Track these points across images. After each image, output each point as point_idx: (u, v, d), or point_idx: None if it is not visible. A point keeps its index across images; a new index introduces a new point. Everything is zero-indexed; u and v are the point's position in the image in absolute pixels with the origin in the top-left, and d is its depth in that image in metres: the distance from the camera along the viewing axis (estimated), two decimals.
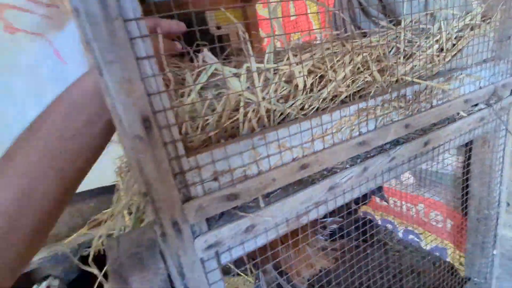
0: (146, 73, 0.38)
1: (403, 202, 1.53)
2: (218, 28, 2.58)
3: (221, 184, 0.47)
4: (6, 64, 0.66)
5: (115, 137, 0.47)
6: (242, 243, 0.51)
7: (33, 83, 0.69)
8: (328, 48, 0.59)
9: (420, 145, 0.69)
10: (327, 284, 0.93)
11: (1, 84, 0.67)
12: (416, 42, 0.67)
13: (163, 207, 0.43)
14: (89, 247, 1.54)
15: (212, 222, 0.49)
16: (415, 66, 0.66)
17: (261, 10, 2.48)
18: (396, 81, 0.66)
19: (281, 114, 0.55)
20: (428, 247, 1.47)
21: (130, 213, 0.70)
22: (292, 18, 1.90)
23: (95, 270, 0.69)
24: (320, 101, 0.56)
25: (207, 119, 0.47)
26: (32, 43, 0.67)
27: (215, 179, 0.47)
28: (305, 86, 0.54)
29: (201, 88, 0.52)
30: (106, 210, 0.76)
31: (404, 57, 0.66)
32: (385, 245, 1.54)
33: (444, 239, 1.39)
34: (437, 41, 0.68)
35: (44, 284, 1.33)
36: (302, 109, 0.56)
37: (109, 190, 1.47)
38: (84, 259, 1.79)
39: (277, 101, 0.54)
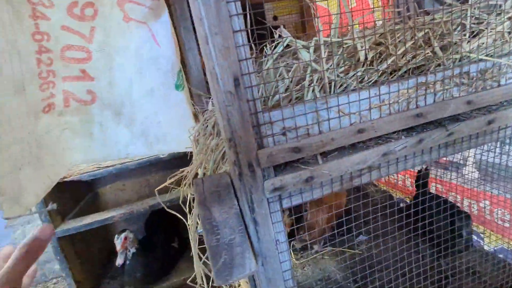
0: (239, 43, 0.50)
1: (464, 198, 1.44)
2: (275, 18, 2.67)
3: (288, 138, 0.57)
4: (122, 47, 0.85)
5: None
6: (301, 193, 0.61)
7: (138, 63, 0.88)
8: (390, 25, 0.64)
9: (483, 124, 0.69)
10: (378, 278, 0.95)
11: (118, 64, 0.87)
12: (485, 20, 0.67)
13: (242, 151, 0.54)
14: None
15: (278, 170, 0.59)
16: (483, 43, 0.67)
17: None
18: (460, 58, 0.67)
19: (341, 85, 0.62)
20: (490, 248, 1.37)
21: (204, 173, 0.84)
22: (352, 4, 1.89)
23: (178, 214, 0.85)
24: (379, 74, 0.62)
25: (281, 84, 0.57)
26: (138, 30, 0.85)
27: (283, 133, 0.57)
28: (366, 59, 0.60)
29: (277, 59, 0.62)
30: (183, 168, 0.91)
31: (470, 35, 0.66)
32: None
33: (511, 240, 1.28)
34: (509, 18, 0.67)
35: (123, 235, 1.61)
36: (361, 81, 0.62)
37: (172, 164, 1.70)
38: (153, 216, 2.04)
39: (340, 73, 0.61)
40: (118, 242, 1.62)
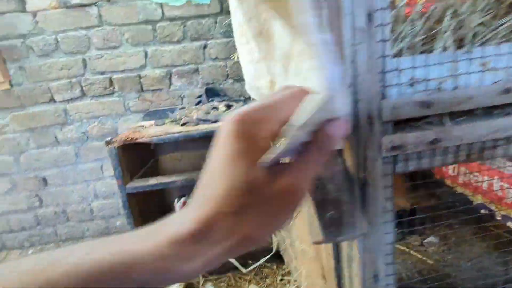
0: None
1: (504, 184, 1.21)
2: None
3: (416, 91, 0.49)
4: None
5: None
6: (420, 158, 0.53)
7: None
8: None
9: None
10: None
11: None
12: None
13: (363, 99, 0.48)
14: None
15: (396, 128, 0.52)
16: None
17: None
18: None
19: (483, 36, 0.51)
20: None
21: None
22: None
23: None
24: None
25: (415, 26, 0.49)
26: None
27: (411, 84, 0.49)
28: None
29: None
30: None
31: None
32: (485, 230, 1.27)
33: None
34: None
35: (182, 199, 1.69)
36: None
37: None
38: None
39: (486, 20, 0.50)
40: (178, 204, 1.71)
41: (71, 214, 2.42)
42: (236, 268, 1.90)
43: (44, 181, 2.33)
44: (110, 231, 2.50)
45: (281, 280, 1.75)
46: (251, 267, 1.85)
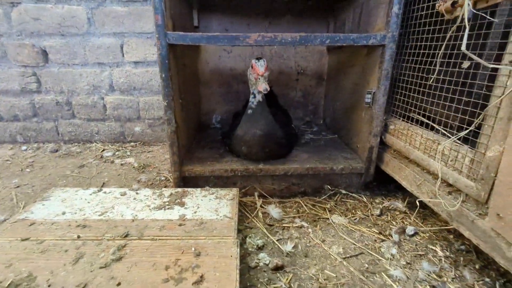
0: None
1: None
2: None
3: None
4: None
5: None
6: None
7: None
8: None
9: None
10: None
11: None
12: None
13: None
14: None
15: None
16: None
17: None
18: None
19: None
20: None
21: None
22: None
23: None
24: None
25: None
26: None
27: None
28: None
29: None
30: None
31: None
32: None
33: None
34: None
35: (263, 60, 1.10)
36: None
37: None
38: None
39: None
40: (260, 64, 1.10)
41: (78, 108, 1.84)
42: (304, 193, 1.33)
43: (44, 54, 1.72)
44: (125, 139, 1.94)
45: (379, 215, 1.17)
46: (327, 194, 1.28)
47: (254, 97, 1.20)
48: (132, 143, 1.96)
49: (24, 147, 1.86)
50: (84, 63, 1.74)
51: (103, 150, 1.84)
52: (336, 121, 1.69)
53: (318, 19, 1.74)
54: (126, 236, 0.88)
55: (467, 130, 0.77)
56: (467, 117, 0.81)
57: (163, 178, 1.50)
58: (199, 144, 1.53)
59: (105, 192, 1.14)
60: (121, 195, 1.13)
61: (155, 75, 1.78)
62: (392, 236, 1.04)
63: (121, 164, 1.66)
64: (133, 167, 1.62)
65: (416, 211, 1.19)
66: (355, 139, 1.39)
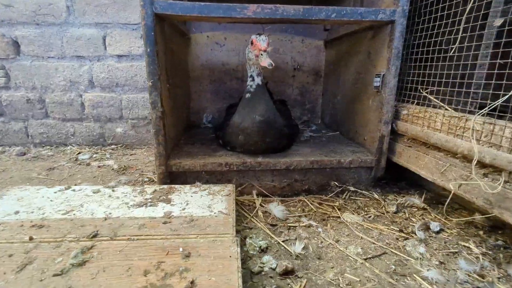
0: None
1: None
2: None
3: None
4: None
5: None
6: None
7: None
8: None
9: None
10: None
11: None
12: None
13: None
14: None
15: None
16: None
17: None
18: None
19: None
20: None
21: None
22: None
23: None
24: None
25: None
26: None
27: None
28: None
29: None
30: None
31: None
32: None
33: None
34: None
35: (263, 36, 0.97)
36: None
37: None
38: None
39: None
40: (261, 39, 0.96)
41: (52, 106, 1.65)
42: (308, 191, 1.17)
43: (16, 45, 1.55)
44: (105, 141, 1.75)
45: (395, 212, 1.02)
46: (334, 192, 1.13)
47: (253, 80, 1.07)
48: (112, 146, 1.76)
49: None
50: (61, 56, 1.58)
51: (79, 153, 1.64)
52: (337, 118, 1.57)
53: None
54: (94, 236, 0.70)
55: (508, 95, 0.66)
56: (502, 91, 0.70)
57: (146, 179, 1.31)
58: (189, 140, 1.37)
59: (74, 190, 0.95)
60: (94, 192, 0.94)
61: (141, 70, 1.64)
62: (415, 234, 0.90)
63: (98, 167, 1.46)
64: (112, 169, 1.43)
65: (446, 203, 1.05)
66: (362, 131, 1.27)
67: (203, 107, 1.77)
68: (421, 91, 1.02)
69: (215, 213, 0.82)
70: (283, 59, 1.73)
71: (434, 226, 0.92)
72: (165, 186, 0.99)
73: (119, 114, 1.71)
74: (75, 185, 1.25)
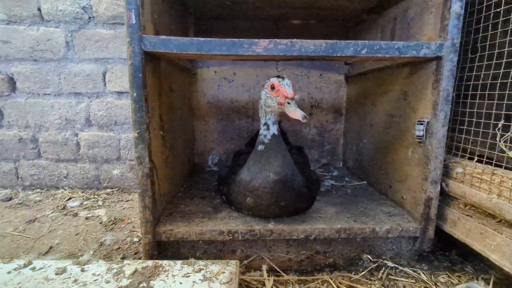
0: None
1: None
2: None
3: None
4: None
5: None
6: None
7: None
8: None
9: None
10: None
11: None
12: None
13: None
14: None
15: None
16: None
17: None
18: None
19: None
20: None
21: None
22: None
23: None
24: None
25: None
26: None
27: None
28: None
29: None
30: None
31: None
32: None
33: None
34: None
35: (273, 80, 0.78)
36: None
37: None
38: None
39: None
40: (285, 83, 0.77)
41: (45, 145, 1.52)
42: (334, 266, 0.92)
43: (11, 82, 1.45)
44: (100, 184, 1.57)
45: None
46: (367, 269, 0.88)
47: (268, 129, 0.87)
48: (108, 190, 1.58)
49: None
50: (58, 93, 1.47)
51: (69, 198, 1.46)
52: (363, 164, 1.34)
53: None
54: None
55: None
56: None
57: (135, 239, 1.10)
58: (188, 193, 1.16)
59: (33, 269, 0.75)
60: (56, 274, 0.73)
61: None
62: None
63: (86, 218, 1.27)
64: (100, 222, 1.23)
65: None
66: (399, 187, 1.02)
67: (209, 148, 1.58)
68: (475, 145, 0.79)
69: None
70: (299, 96, 1.55)
71: None
72: (150, 263, 0.77)
73: (117, 154, 1.55)
74: (50, 247, 1.05)
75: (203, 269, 0.76)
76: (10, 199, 1.46)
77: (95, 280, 0.71)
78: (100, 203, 1.44)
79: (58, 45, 1.42)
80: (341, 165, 1.62)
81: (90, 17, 1.40)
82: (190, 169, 1.48)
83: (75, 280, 0.71)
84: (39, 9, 1.38)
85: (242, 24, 1.45)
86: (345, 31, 1.48)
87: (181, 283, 0.70)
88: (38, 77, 1.44)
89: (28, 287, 0.68)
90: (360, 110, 1.38)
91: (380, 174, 1.16)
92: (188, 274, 0.73)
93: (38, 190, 1.57)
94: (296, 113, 0.78)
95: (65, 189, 1.57)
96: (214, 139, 1.57)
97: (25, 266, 0.76)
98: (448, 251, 1.03)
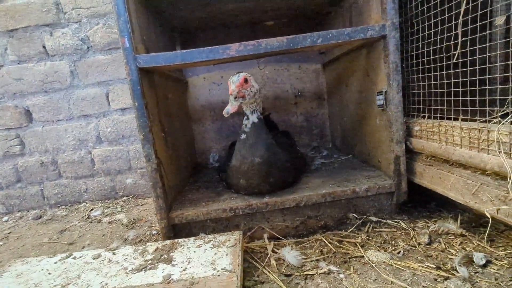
0: None
1: None
2: None
3: None
4: None
5: None
6: None
7: None
8: None
9: None
10: None
11: None
12: None
13: None
14: None
15: None
16: None
17: None
18: None
19: None
20: None
21: None
22: None
23: None
24: None
25: None
26: None
27: None
28: None
29: None
30: None
31: None
32: None
33: None
34: None
35: (242, 74, 0.94)
36: None
37: None
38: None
39: None
40: (232, 80, 0.92)
41: (64, 166, 1.70)
42: (325, 227, 1.06)
43: (28, 114, 1.64)
44: (117, 194, 1.75)
45: (428, 244, 0.88)
46: (354, 226, 1.01)
47: (247, 118, 1.02)
48: (124, 198, 1.75)
49: (5, 218, 1.67)
50: (69, 118, 1.65)
51: (92, 209, 1.64)
52: (347, 140, 1.48)
53: None
54: None
55: None
56: None
57: (154, 232, 1.26)
58: (194, 186, 1.32)
59: (74, 258, 0.91)
60: (94, 258, 0.89)
61: None
62: (457, 270, 0.75)
63: (109, 223, 1.44)
64: (122, 224, 1.39)
65: (487, 233, 0.90)
66: (375, 153, 1.16)
67: (208, 147, 1.74)
68: (425, 104, 0.93)
69: (218, 271, 0.74)
70: (282, 88, 1.70)
71: (479, 258, 0.77)
72: (168, 242, 0.93)
73: (128, 165, 1.72)
74: (83, 247, 1.22)
75: (212, 240, 0.91)
76: (40, 217, 1.63)
77: (125, 259, 0.86)
78: (119, 209, 1.61)
79: (64, 75, 1.60)
80: (330, 145, 1.76)
81: (88, 47, 1.59)
82: (194, 167, 1.64)
83: (110, 261, 0.86)
84: (44, 47, 1.57)
85: (222, 32, 1.62)
86: (315, 24, 1.63)
87: (194, 251, 0.85)
88: (51, 106, 1.63)
89: (73, 270, 0.84)
90: (338, 93, 1.52)
91: (360, 145, 1.30)
92: (200, 245, 0.89)
93: (63, 206, 1.75)
94: (227, 106, 0.91)
95: (86, 203, 1.74)
96: (212, 138, 1.73)
97: (67, 257, 0.92)
98: (428, 203, 1.16)
